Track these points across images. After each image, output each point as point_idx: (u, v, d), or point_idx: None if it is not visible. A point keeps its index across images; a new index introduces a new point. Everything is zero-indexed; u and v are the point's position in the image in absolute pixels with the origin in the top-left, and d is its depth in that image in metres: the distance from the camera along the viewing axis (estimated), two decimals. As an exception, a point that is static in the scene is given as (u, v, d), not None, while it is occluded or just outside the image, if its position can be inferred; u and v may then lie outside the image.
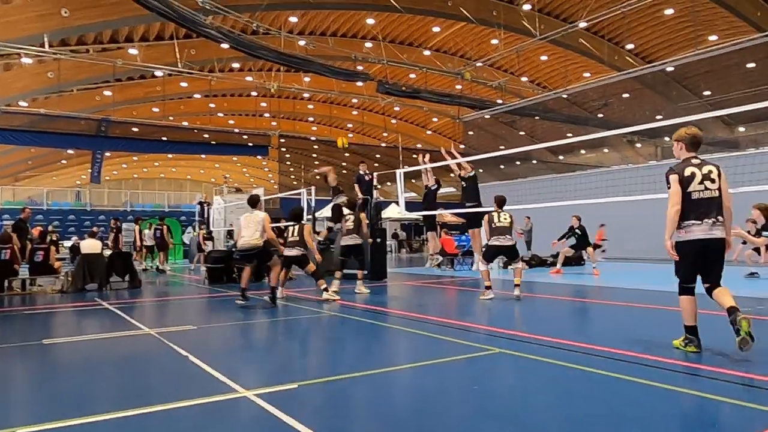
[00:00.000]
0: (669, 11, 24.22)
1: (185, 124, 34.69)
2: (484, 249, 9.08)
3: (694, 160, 4.63)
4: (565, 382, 3.96)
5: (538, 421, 3.15)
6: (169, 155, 47.51)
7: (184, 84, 31.29)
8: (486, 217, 8.92)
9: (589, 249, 14.22)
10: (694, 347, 4.56)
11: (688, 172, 4.56)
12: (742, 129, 31.14)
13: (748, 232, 10.57)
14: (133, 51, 24.43)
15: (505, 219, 8.58)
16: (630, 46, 28.39)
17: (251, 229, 8.14)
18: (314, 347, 5.81)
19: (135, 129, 31.62)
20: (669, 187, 4.61)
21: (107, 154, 36.61)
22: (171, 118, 35.41)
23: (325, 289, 8.77)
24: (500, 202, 8.80)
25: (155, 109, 34.78)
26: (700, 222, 4.48)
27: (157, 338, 5.76)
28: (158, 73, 26.63)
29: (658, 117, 28.16)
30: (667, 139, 30.53)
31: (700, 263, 4.56)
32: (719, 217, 4.49)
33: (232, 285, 12.05)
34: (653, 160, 30.35)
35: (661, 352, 4.61)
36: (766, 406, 3.22)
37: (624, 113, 30.01)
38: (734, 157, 17.54)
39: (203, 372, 4.29)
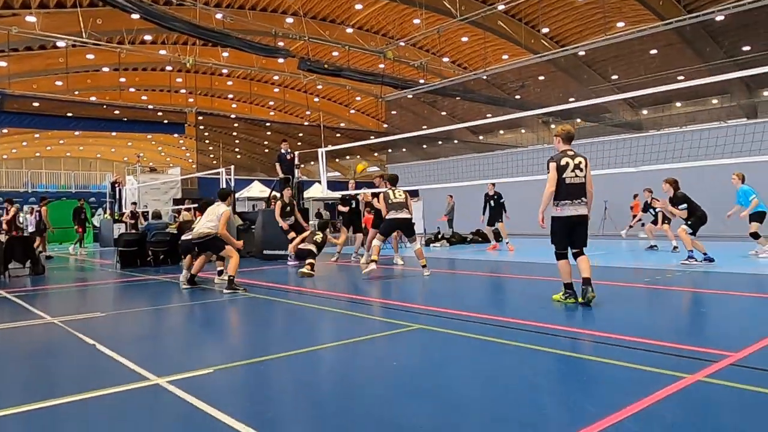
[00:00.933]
0: (581, -3, 25.26)
1: (93, 99, 32.51)
2: (381, 225, 9.21)
3: (569, 152, 5.77)
4: (481, 355, 4.09)
5: (455, 394, 3.23)
6: (76, 132, 44.44)
7: (90, 56, 29.21)
8: (382, 195, 9.36)
9: (500, 224, 13.91)
10: (572, 299, 5.73)
11: (563, 161, 5.69)
12: (645, 112, 33.18)
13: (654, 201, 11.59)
14: (30, 18, 22.42)
15: (400, 195, 9.00)
16: (545, 30, 29.39)
17: (206, 219, 8.07)
18: (231, 330, 5.66)
19: (36, 104, 29.20)
20: (548, 172, 5.75)
21: (4, 130, 33.74)
22: (77, 92, 33.06)
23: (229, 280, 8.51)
24: (393, 180, 9.38)
25: (58, 83, 32.30)
26: (570, 202, 5.66)
27: (62, 327, 5.41)
28: (60, 44, 24.68)
29: (571, 99, 29.52)
30: (579, 120, 32.09)
31: (569, 234, 5.78)
32: (583, 198, 5.72)
33: (146, 269, 11.54)
34: (566, 141, 31.75)
35: (563, 321, 4.87)
36: (660, 369, 3.46)
37: (540, 95, 31.16)
38: (638, 137, 18.68)
39: (112, 360, 4.07)
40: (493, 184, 13.45)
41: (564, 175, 5.65)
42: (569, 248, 5.87)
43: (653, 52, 26.57)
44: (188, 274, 8.36)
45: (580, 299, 5.64)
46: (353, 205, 12.47)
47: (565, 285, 5.83)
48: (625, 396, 2.96)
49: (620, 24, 25.92)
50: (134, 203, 20.06)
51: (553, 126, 33.90)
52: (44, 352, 4.64)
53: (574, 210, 5.68)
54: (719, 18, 20.55)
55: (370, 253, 9.62)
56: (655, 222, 12.76)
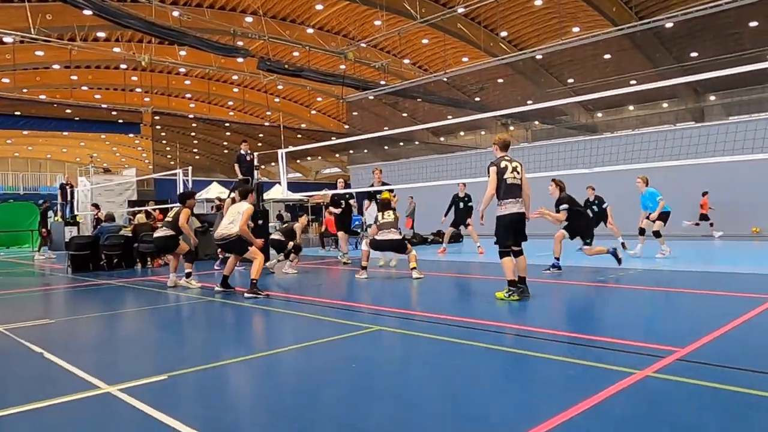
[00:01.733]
0: (538, 2, 25.79)
1: (42, 97, 31.36)
2: (370, 240, 9.22)
3: (506, 158, 6.31)
4: (439, 355, 4.12)
5: (412, 394, 3.24)
6: (25, 132, 42.72)
7: (39, 53, 28.18)
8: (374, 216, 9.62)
9: (470, 227, 13.59)
10: (516, 296, 6.01)
11: (503, 164, 6.22)
12: (599, 115, 34.16)
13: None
14: (-27, 12, 21.49)
15: (389, 216, 9.16)
16: (504, 34, 29.90)
17: (228, 219, 7.72)
18: (186, 335, 5.54)
19: (-20, 102, 28.02)
20: (489, 176, 6.22)
21: (-54, 129, 32.20)
22: (25, 90, 31.82)
23: (188, 274, 8.50)
24: (384, 206, 9.41)
25: (5, 80, 31.05)
26: (514, 200, 6.14)
27: (7, 335, 5.19)
28: (7, 40, 23.66)
29: (529, 101, 30.15)
30: (536, 122, 32.80)
31: (513, 231, 6.19)
32: (519, 198, 6.20)
33: (99, 273, 11.19)
34: (525, 142, 32.43)
35: (515, 320, 4.96)
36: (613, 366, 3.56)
37: (499, 97, 31.69)
38: (592, 140, 19.21)
39: (61, 369, 3.93)
40: (464, 185, 13.15)
41: (505, 176, 6.16)
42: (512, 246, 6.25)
43: (607, 56, 27.39)
44: (173, 277, 8.48)
45: (513, 297, 5.99)
46: (343, 206, 11.96)
47: (509, 282, 6.11)
48: (577, 393, 3.03)
49: (575, 29, 26.62)
50: (95, 205, 19.32)
51: (512, 128, 34.59)
52: (-12, 362, 4.44)
53: (517, 208, 6.15)
54: (669, 25, 21.35)
55: (348, 257, 10.19)
56: (594, 220, 12.97)
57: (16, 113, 28.97)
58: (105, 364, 4.19)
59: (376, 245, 9.09)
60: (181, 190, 14.08)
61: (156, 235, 8.88)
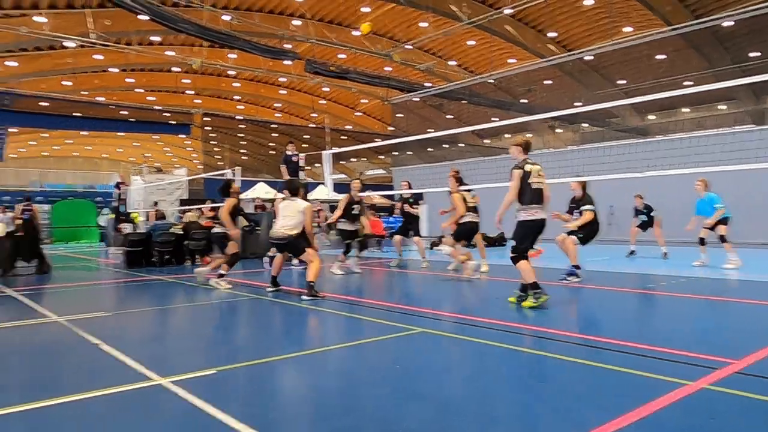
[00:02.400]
0: (588, 2, 25.19)
1: (100, 99, 32.71)
2: (457, 227, 9.00)
3: (529, 161, 6.07)
4: (483, 359, 4.08)
5: (455, 397, 3.23)
6: (83, 132, 44.69)
7: (98, 57, 29.40)
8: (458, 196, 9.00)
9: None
10: (544, 297, 5.78)
11: (527, 168, 5.97)
12: (652, 117, 33.09)
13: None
14: (39, 19, 22.59)
15: (474, 198, 9.22)
16: (552, 34, 29.35)
17: (287, 218, 7.43)
18: (235, 332, 5.67)
19: (44, 103, 29.44)
20: (511, 179, 5.97)
21: (13, 129, 33.93)
22: (84, 92, 33.28)
23: (220, 275, 8.27)
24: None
25: (67, 83, 32.53)
26: (539, 206, 5.94)
27: (66, 326, 5.44)
28: (69, 45, 24.82)
29: (577, 103, 29.47)
30: (585, 125, 32.04)
31: (533, 236, 6.04)
32: (542, 204, 5.98)
33: (151, 268, 11.58)
34: (572, 145, 31.72)
35: (564, 327, 4.86)
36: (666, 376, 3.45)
37: (546, 99, 31.11)
38: (644, 143, 18.61)
39: (115, 360, 4.09)
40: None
41: (530, 180, 5.94)
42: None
43: (660, 57, 26.49)
44: (205, 271, 8.63)
45: (542, 299, 5.80)
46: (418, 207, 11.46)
47: (532, 285, 5.87)
48: (628, 402, 2.95)
49: (627, 29, 25.87)
50: (156, 203, 20.05)
51: (559, 130, 33.91)
52: (49, 351, 4.66)
53: (543, 214, 5.99)
54: (727, 24, 20.49)
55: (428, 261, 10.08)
56: (643, 227, 12.56)
57: (76, 114, 30.33)
58: (157, 357, 4.34)
59: (466, 231, 9.04)
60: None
61: (213, 230, 9.00)
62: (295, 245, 7.37)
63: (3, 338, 5.22)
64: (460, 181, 9.21)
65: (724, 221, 9.83)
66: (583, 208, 8.15)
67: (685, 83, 25.55)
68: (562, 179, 9.80)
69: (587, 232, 8.20)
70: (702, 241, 10.16)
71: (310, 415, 3.02)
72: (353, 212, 10.01)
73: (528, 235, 6.02)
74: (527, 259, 5.96)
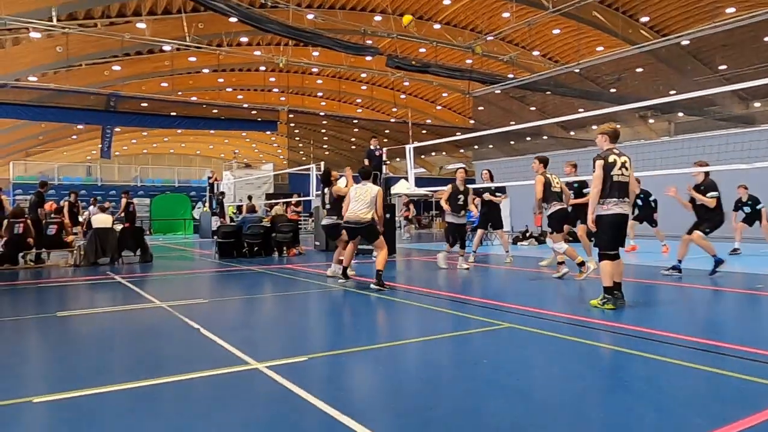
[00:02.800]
0: (686, -18, 23.62)
1: (194, 99, 34.58)
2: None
3: (615, 150, 5.69)
4: (575, 357, 3.97)
5: (543, 394, 3.17)
6: (179, 130, 47.43)
7: (192, 59, 31.12)
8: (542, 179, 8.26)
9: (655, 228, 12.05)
10: (611, 305, 5.47)
11: (611, 159, 5.58)
12: (757, 104, 30.56)
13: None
14: (141, 25, 24.23)
15: (558, 183, 8.37)
16: (645, 19, 27.78)
17: (361, 202, 7.45)
18: (324, 321, 5.85)
19: (144, 104, 31.57)
20: (594, 170, 5.60)
21: (117, 129, 36.63)
22: (180, 93, 35.28)
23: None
24: (545, 161, 8.56)
25: (164, 84, 34.63)
26: (619, 199, 5.53)
27: (169, 311, 5.84)
28: (166, 48, 26.44)
29: (672, 92, 27.70)
30: (681, 114, 30.13)
31: (615, 233, 5.61)
32: (626, 198, 5.60)
33: (242, 259, 12.14)
34: (666, 136, 29.90)
35: (667, 328, 4.62)
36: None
37: (637, 88, 29.53)
38: (749, 132, 17.25)
39: (214, 344, 4.35)
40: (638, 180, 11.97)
41: (612, 173, 5.55)
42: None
43: (767, 39, 24.38)
44: (337, 267, 8.19)
45: (607, 306, 5.50)
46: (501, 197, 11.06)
47: (605, 288, 5.57)
48: (736, 409, 2.78)
49: (730, 10, 24.00)
50: (249, 197, 21.10)
51: (651, 120, 32.11)
52: (154, 334, 5.03)
53: (621, 209, 5.55)
54: None
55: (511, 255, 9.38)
56: (748, 221, 11.58)
57: (172, 114, 32.26)
58: (252, 343, 4.57)
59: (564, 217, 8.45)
60: (314, 185, 14.83)
61: (323, 222, 9.04)
62: (372, 230, 7.39)
63: (114, 320, 5.68)
64: (545, 164, 8.44)
65: None
66: (709, 195, 7.67)
67: (798, 66, 23.36)
68: (653, 171, 9.32)
69: (713, 223, 7.73)
70: None
71: (396, 405, 3.08)
72: (458, 203, 9.47)
73: (606, 230, 5.61)
74: (610, 259, 5.56)
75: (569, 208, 8.63)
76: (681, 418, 2.75)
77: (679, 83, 28.43)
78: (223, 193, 21.82)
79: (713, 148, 11.66)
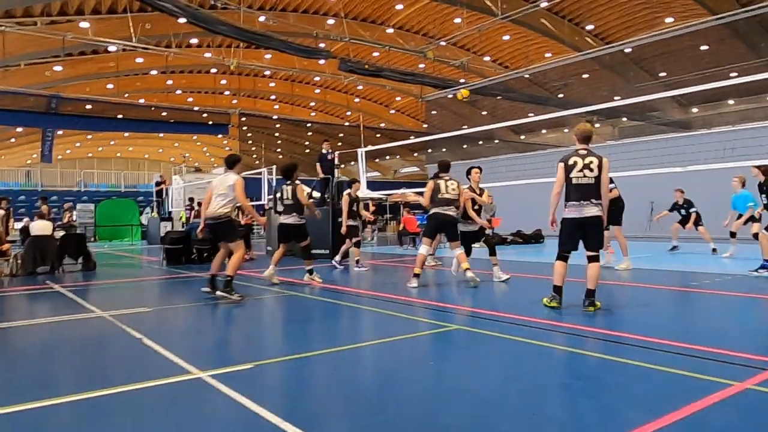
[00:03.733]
0: (628, -8, 24.59)
1: (141, 101, 33.59)
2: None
3: (581, 152, 5.58)
4: (520, 357, 4.04)
5: (494, 394, 3.20)
6: (126, 134, 46.04)
7: (139, 60, 30.22)
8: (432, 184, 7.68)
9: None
10: (556, 303, 5.57)
11: (571, 161, 5.53)
12: (695, 110, 32.06)
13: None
14: (84, 24, 23.37)
15: (453, 189, 7.63)
16: (590, 27, 28.73)
17: (217, 194, 6.83)
18: (272, 327, 5.76)
19: (88, 106, 30.40)
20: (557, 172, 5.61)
21: (59, 132, 35.21)
22: (126, 95, 34.22)
23: (310, 271, 8.45)
24: (444, 167, 7.91)
25: (110, 86, 33.53)
26: (577, 203, 5.48)
27: (110, 321, 5.62)
28: (112, 48, 25.58)
29: (616, 97, 28.69)
30: (624, 119, 31.26)
31: (576, 235, 5.58)
32: (593, 199, 5.46)
33: (190, 266, 11.84)
34: (611, 140, 30.95)
35: (602, 324, 4.76)
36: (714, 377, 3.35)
37: (584, 93, 30.47)
38: (686, 137, 18.07)
39: (156, 354, 4.21)
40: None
41: (571, 175, 5.50)
42: (584, 251, 5.61)
43: (704, 48, 25.63)
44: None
45: (552, 304, 5.61)
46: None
47: (554, 287, 5.65)
48: (668, 402, 2.88)
49: (669, 19, 25.11)
50: (191, 199, 20.59)
51: (597, 125, 33.16)
52: (95, 345, 4.83)
53: (579, 212, 5.51)
54: (775, 11, 19.64)
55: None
56: (683, 222, 12.24)
57: (119, 116, 31.24)
58: (196, 351, 4.45)
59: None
60: (265, 189, 14.62)
61: (281, 221, 8.56)
62: (224, 229, 6.74)
63: (53, 332, 5.43)
64: (441, 169, 7.82)
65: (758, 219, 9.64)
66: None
67: (731, 74, 24.64)
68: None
69: None
70: (732, 234, 10.50)
71: (345, 410, 3.05)
72: (474, 208, 8.50)
73: (562, 232, 5.65)
74: (562, 260, 5.63)
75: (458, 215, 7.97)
76: (618, 412, 2.83)
77: (623, 89, 29.52)
78: (192, 199, 21.18)
79: (655, 152, 12.16)
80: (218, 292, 6.75)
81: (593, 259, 5.58)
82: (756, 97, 29.46)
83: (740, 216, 10.05)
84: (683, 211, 12.10)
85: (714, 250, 11.41)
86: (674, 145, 13.68)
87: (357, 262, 10.43)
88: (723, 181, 11.79)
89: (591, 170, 5.48)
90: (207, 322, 6.02)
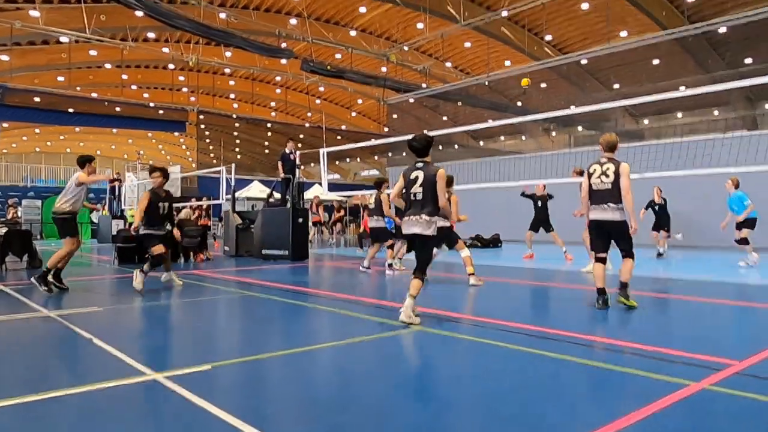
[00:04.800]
0: (585, 6, 25.27)
1: (94, 95, 32.47)
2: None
3: (602, 160, 6.03)
4: (480, 357, 4.06)
5: (453, 396, 3.20)
6: (77, 128, 44.43)
7: (93, 52, 29.20)
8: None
9: (553, 233, 12.09)
10: (601, 304, 5.77)
11: (591, 168, 6.07)
12: (646, 121, 33.25)
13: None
14: (34, 13, 22.36)
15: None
16: (548, 38, 29.43)
17: (63, 193, 7.54)
18: (230, 328, 5.62)
19: (37, 98, 29.18)
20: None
21: (4, 125, 33.70)
22: (78, 88, 33.00)
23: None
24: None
25: (60, 78, 32.28)
26: (597, 206, 5.91)
27: (59, 321, 5.37)
28: (64, 39, 24.63)
29: (572, 107, 29.39)
30: (579, 128, 32.12)
31: (603, 237, 5.97)
32: (611, 203, 5.83)
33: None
34: (566, 148, 31.74)
35: (569, 327, 4.84)
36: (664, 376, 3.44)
37: (541, 102, 31.17)
38: (638, 146, 18.66)
39: (109, 355, 4.03)
40: (544, 186, 11.93)
41: (591, 181, 6.03)
42: (614, 252, 6.00)
43: (656, 62, 26.62)
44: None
45: (600, 306, 5.82)
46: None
47: (597, 290, 5.89)
48: (629, 403, 2.93)
49: (623, 33, 25.96)
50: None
51: (554, 133, 34.00)
52: (42, 346, 4.60)
53: (598, 215, 5.92)
54: (722, 30, 20.60)
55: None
56: (657, 225, 12.50)
57: (70, 110, 30.10)
58: (151, 352, 4.29)
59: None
60: (224, 188, 14.34)
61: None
62: (60, 226, 7.46)
63: (-7, 332, 5.14)
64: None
65: (751, 222, 10.02)
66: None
67: (680, 88, 25.68)
68: (556, 180, 9.85)
69: None
70: (744, 241, 10.20)
71: (305, 411, 2.98)
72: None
73: (591, 235, 6.22)
74: (600, 262, 5.95)
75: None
76: (578, 413, 2.86)
77: (579, 99, 30.36)
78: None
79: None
80: (32, 279, 7.44)
81: (626, 255, 5.96)
82: (703, 110, 30.80)
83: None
84: (657, 208, 12.34)
85: (660, 254, 11.84)
86: (626, 154, 14.11)
87: (389, 266, 9.84)
88: (673, 189, 12.27)
89: (607, 176, 5.90)
90: (162, 323, 5.83)
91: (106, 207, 23.32)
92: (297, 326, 5.47)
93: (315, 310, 6.20)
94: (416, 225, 5.20)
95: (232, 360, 3.94)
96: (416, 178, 5.29)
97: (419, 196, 5.23)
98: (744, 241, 10.12)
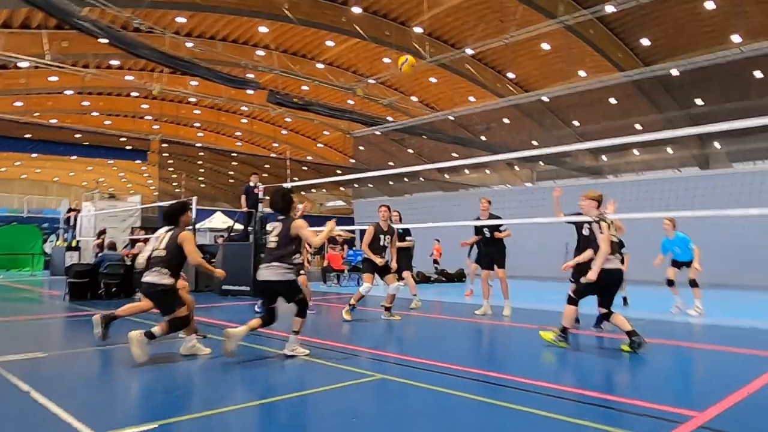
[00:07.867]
0: (546, 46, 26.17)
1: (54, 121, 31.72)
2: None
3: (604, 215, 6.41)
4: (443, 409, 3.95)
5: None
6: (33, 155, 43.10)
7: (53, 78, 28.60)
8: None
9: (472, 265, 11.86)
10: (565, 343, 6.06)
11: (608, 221, 6.26)
12: (604, 158, 34.30)
13: None
14: (-8, 37, 21.86)
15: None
16: (511, 75, 30.27)
17: None
18: (181, 379, 5.35)
19: (-9, 124, 28.32)
20: (602, 232, 6.11)
21: (-44, 150, 32.46)
22: (36, 114, 32.21)
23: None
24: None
25: (18, 104, 31.42)
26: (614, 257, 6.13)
27: (-4, 369, 5.03)
28: (22, 65, 24.05)
29: (534, 143, 30.24)
30: (541, 163, 32.91)
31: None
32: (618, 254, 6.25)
33: (97, 302, 11.01)
34: (529, 182, 32.47)
35: (533, 375, 4.79)
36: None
37: (504, 137, 31.88)
38: (597, 183, 19.18)
39: (47, 412, 3.76)
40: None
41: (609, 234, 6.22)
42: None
43: (612, 101, 27.64)
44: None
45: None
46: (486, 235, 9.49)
47: (627, 332, 6.01)
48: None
49: (582, 73, 26.91)
50: (103, 231, 18.96)
51: (517, 168, 34.71)
52: (-27, 399, 4.28)
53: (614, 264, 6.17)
54: (674, 72, 21.57)
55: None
56: None
57: (27, 136, 29.24)
58: (94, 408, 4.02)
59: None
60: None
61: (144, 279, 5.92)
62: None
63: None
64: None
65: (679, 263, 9.74)
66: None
67: (636, 126, 26.67)
68: (520, 220, 9.85)
69: None
70: (671, 283, 9.73)
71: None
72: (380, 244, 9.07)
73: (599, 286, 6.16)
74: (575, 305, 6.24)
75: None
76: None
77: (540, 135, 31.17)
78: (103, 231, 19.51)
79: (568, 198, 12.73)
80: None
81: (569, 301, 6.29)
82: (657, 148, 31.99)
83: (675, 262, 9.73)
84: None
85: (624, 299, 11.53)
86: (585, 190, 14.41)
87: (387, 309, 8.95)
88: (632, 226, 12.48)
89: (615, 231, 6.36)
90: (109, 371, 5.53)
91: (61, 238, 22.52)
92: (251, 375, 5.25)
93: (272, 354, 5.99)
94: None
95: (183, 417, 3.73)
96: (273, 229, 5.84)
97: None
98: (696, 283, 9.52)
